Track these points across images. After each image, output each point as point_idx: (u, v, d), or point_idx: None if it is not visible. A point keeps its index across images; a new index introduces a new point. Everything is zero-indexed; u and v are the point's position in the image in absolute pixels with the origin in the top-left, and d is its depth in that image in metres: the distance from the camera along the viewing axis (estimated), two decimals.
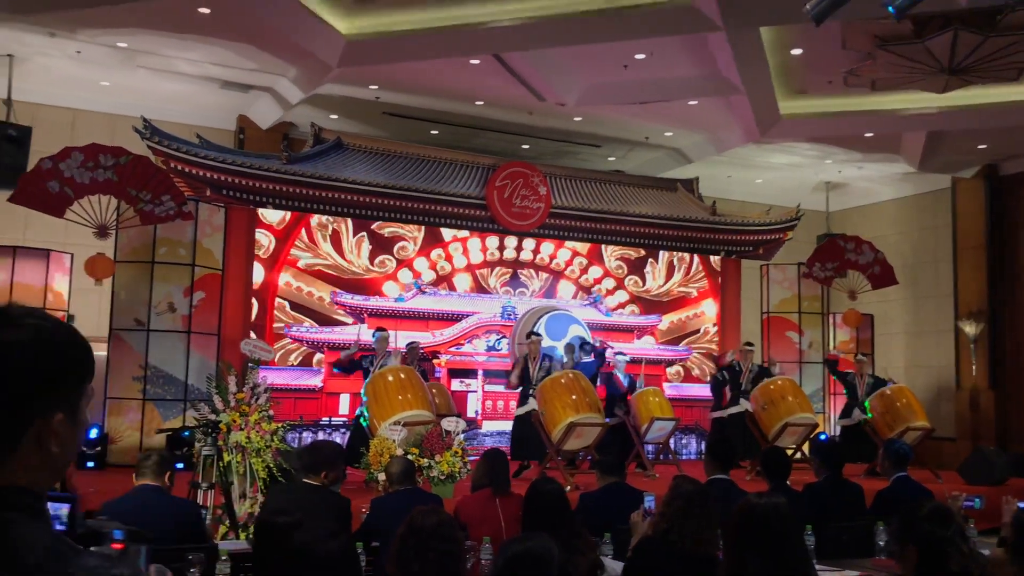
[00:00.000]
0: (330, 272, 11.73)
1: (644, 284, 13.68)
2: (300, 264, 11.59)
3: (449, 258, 12.50)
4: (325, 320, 11.61)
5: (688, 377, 13.74)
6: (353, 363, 9.19)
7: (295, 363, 11.41)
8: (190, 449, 8.28)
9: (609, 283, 13.46)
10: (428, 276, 12.27)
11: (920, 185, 14.62)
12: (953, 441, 13.28)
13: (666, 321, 13.74)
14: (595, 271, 13.41)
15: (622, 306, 13.53)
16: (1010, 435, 13.23)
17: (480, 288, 12.62)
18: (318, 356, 11.51)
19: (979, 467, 10.45)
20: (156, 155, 10.14)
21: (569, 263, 13.28)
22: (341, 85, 10.83)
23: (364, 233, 11.95)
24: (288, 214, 11.50)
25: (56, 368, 1.23)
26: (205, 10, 8.84)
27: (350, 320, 11.64)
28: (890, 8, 6.31)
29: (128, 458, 8.89)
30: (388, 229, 12.11)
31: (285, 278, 11.50)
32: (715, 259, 13.97)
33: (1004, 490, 7.27)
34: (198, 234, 10.06)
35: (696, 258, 13.95)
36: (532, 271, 13.05)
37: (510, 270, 12.87)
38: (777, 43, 9.61)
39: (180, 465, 8.10)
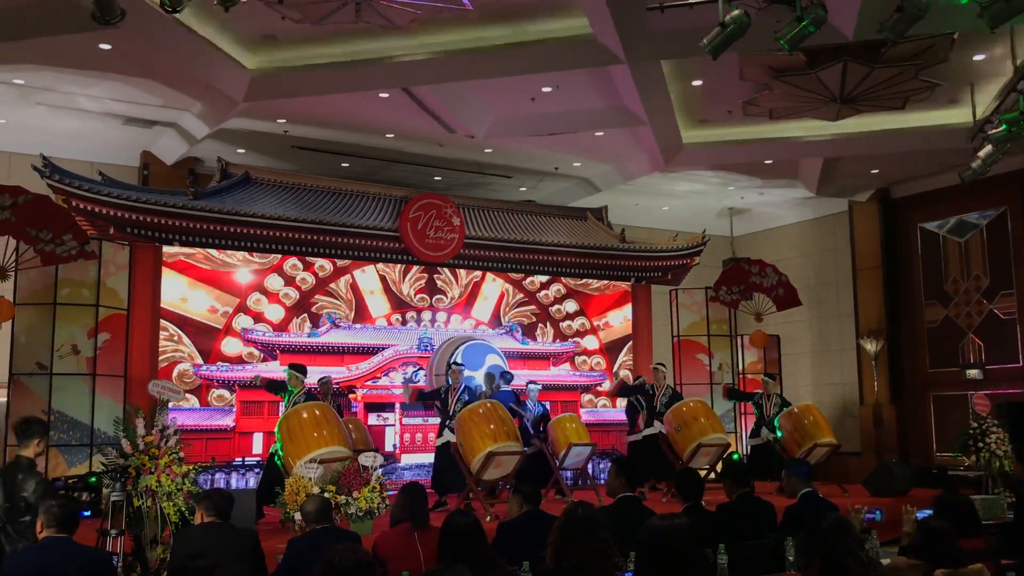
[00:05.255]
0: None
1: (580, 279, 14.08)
2: None
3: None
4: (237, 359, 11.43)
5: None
6: (273, 384, 9.36)
7: (216, 403, 11.19)
8: (98, 495, 8.04)
9: (542, 277, 13.77)
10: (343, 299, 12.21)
11: (819, 209, 15.16)
12: (859, 455, 13.72)
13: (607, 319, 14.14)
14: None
15: (559, 300, 13.80)
16: (912, 447, 13.75)
17: (395, 299, 12.58)
18: (218, 393, 11.30)
19: (883, 480, 10.82)
20: (57, 194, 9.87)
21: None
22: (248, 119, 10.72)
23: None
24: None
25: None
26: (106, 46, 8.68)
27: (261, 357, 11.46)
28: (782, 41, 6.62)
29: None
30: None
31: None
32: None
33: (906, 501, 7.53)
34: (102, 274, 9.84)
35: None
36: (450, 276, 13.10)
37: (426, 276, 12.91)
38: (678, 75, 9.89)
39: (87, 512, 7.87)
